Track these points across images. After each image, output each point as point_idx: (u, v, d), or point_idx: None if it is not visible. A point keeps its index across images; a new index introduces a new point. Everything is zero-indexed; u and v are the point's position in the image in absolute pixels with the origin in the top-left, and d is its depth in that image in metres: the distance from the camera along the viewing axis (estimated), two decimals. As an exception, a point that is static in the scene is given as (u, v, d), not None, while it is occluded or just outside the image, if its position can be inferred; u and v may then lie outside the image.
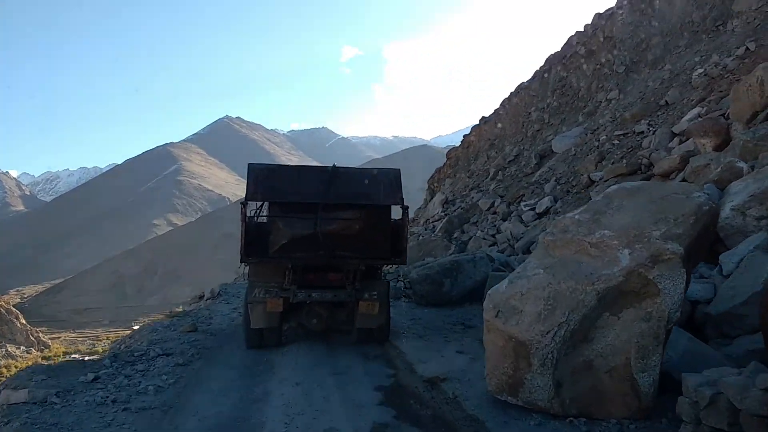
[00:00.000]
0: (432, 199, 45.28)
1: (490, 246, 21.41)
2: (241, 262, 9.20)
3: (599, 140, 23.82)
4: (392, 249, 9.43)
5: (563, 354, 5.39)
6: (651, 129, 20.94)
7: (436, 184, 52.40)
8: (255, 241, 9.00)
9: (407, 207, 9.61)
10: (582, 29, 36.34)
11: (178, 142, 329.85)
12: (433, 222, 35.23)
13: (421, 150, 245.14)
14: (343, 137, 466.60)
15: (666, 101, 22.20)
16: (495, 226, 23.07)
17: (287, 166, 10.71)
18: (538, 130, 38.23)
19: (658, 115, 21.79)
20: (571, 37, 39.01)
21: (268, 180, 9.03)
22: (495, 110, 50.25)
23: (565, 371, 5.42)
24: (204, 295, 17.35)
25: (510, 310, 5.69)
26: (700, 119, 15.32)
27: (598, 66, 33.42)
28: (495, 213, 25.25)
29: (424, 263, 17.17)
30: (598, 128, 25.73)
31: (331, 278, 9.26)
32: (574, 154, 24.87)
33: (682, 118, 19.36)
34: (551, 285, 5.56)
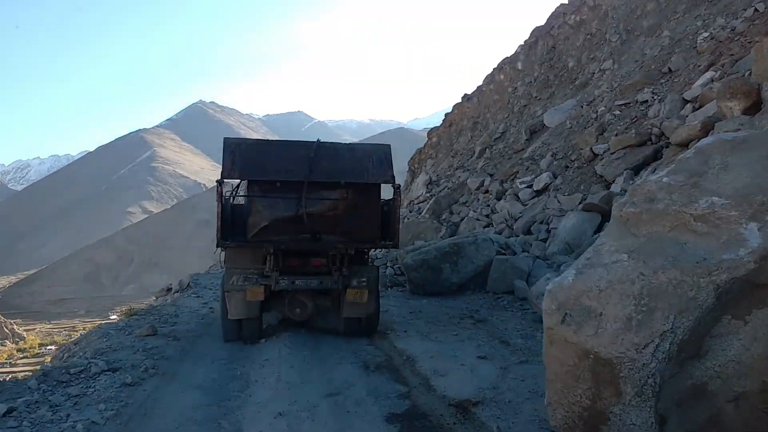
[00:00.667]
0: (414, 180, 43.69)
1: (485, 227, 19.80)
2: (217, 246, 8.33)
3: (597, 112, 22.28)
4: (382, 231, 8.77)
5: (668, 377, 3.71)
6: (656, 97, 19.40)
7: (416, 166, 51.11)
8: (233, 224, 8.37)
9: (399, 185, 8.93)
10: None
11: (152, 128, 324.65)
12: (418, 203, 33.61)
13: (399, 133, 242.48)
14: (319, 121, 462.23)
15: (669, 68, 20.68)
16: (489, 205, 21.45)
17: (267, 141, 9.60)
18: (525, 105, 36.70)
19: (661, 83, 20.26)
20: (558, 7, 37.38)
21: (247, 156, 8.22)
22: (478, 87, 48.84)
23: (669, 401, 3.75)
24: (172, 288, 15.44)
25: (583, 313, 4.00)
26: (723, 80, 13.74)
27: (588, 36, 31.87)
28: (487, 192, 23.63)
29: (417, 247, 15.50)
30: (594, 100, 24.19)
31: (315, 264, 8.58)
32: (570, 128, 23.31)
33: (690, 84, 17.88)
34: (643, 277, 3.88)
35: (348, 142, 10.85)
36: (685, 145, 14.01)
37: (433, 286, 13.01)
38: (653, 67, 21.92)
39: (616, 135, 18.65)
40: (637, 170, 15.87)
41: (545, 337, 4.26)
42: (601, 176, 16.98)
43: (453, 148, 46.83)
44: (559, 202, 17.53)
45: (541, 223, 16.84)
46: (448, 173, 38.70)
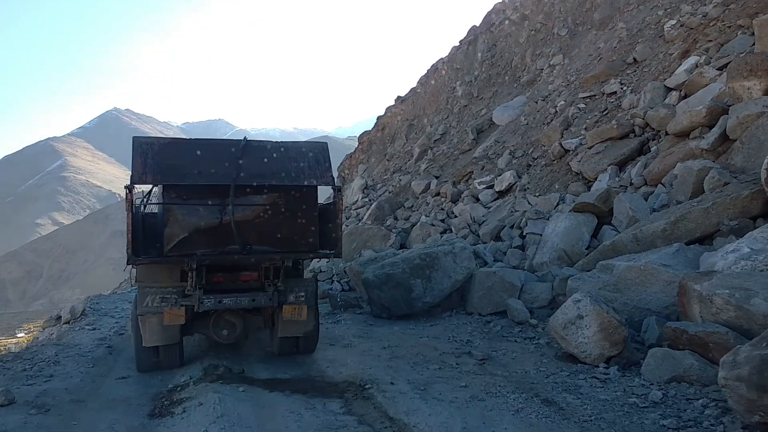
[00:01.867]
0: (348, 185, 41.22)
1: (442, 233, 17.42)
2: (128, 263, 7.05)
3: (557, 106, 20.42)
4: (321, 239, 7.81)
5: None
6: (625, 88, 17.65)
7: (347, 171, 49.10)
8: (146, 236, 7.49)
9: (340, 187, 8.11)
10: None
11: (62, 136, 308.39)
12: (356, 209, 31.08)
13: (323, 141, 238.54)
14: (240, 129, 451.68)
15: (634, 58, 19.01)
16: (443, 209, 19.12)
17: (185, 139, 8.08)
18: (466, 106, 34.82)
19: (628, 74, 18.56)
20: (497, 4, 35.79)
21: (161, 157, 7.15)
22: (411, 89, 47.05)
23: None
24: (62, 317, 12.06)
25: None
26: (737, 58, 11.85)
27: (532, 32, 30.20)
28: (438, 195, 21.32)
29: (373, 258, 12.93)
30: (549, 95, 22.34)
31: (246, 278, 7.74)
32: (527, 124, 21.35)
33: (666, 72, 16.21)
34: None
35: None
36: (686, 134, 12.11)
37: (402, 308, 10.47)
38: (614, 58, 20.22)
39: (587, 129, 16.74)
40: (621, 165, 13.91)
41: None
42: (579, 173, 14.92)
43: (387, 152, 44.71)
44: (530, 203, 15.37)
45: (512, 227, 14.59)
46: (385, 177, 36.79)
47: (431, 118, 40.84)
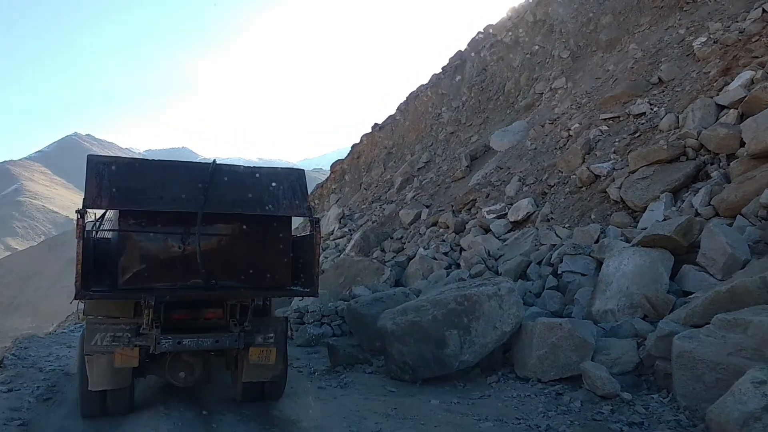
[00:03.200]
0: (323, 214, 38.72)
1: (446, 269, 14.95)
2: (75, 297, 6.16)
3: (569, 130, 18.29)
4: (296, 275, 7.20)
5: None
6: (655, 108, 15.60)
7: (317, 201, 46.69)
8: (99, 267, 6.71)
9: (318, 219, 7.33)
10: (506, 15, 31.24)
11: (19, 159, 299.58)
12: (334, 239, 28.50)
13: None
14: (204, 158, 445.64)
15: (659, 78, 17.06)
16: (444, 241, 16.65)
17: (147, 160, 7.19)
18: (453, 132, 32.73)
19: (655, 94, 16.57)
20: (487, 27, 34.05)
21: (119, 180, 6.44)
22: (390, 116, 45.06)
23: None
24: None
25: None
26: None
27: (527, 55, 28.38)
28: (435, 225, 18.88)
29: (379, 300, 10.40)
30: (557, 118, 20.23)
31: (209, 316, 6.93)
32: (535, 149, 19.17)
33: (702, 91, 14.24)
34: None
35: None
36: (764, 156, 9.95)
37: (431, 368, 7.91)
38: (634, 79, 18.26)
39: (617, 152, 14.59)
40: (674, 192, 11.70)
41: None
42: (619, 201, 12.65)
43: (362, 181, 42.48)
44: (558, 235, 13.01)
45: (540, 263, 12.20)
46: (363, 206, 34.53)
47: (412, 147, 38.77)
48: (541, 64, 27.01)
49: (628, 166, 13.09)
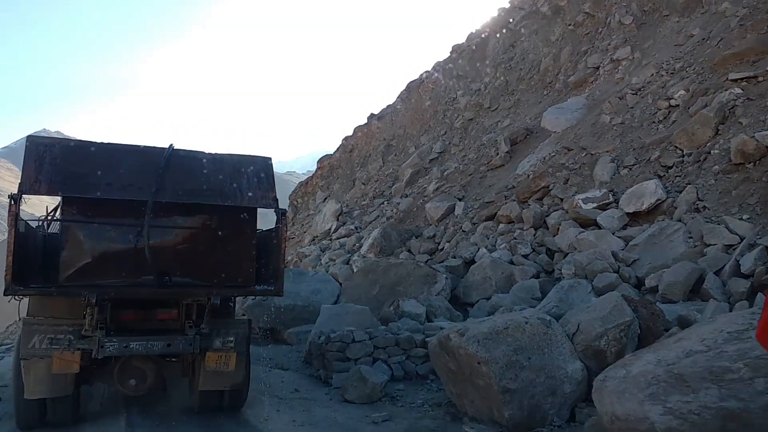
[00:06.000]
0: (317, 211, 34.29)
1: (536, 276, 10.51)
2: (5, 293, 5.57)
3: (670, 99, 14.05)
4: (259, 272, 6.52)
5: None
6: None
7: (300, 200, 42.52)
8: (36, 260, 6.24)
9: (285, 211, 6.51)
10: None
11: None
12: (338, 239, 23.99)
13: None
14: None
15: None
16: (525, 239, 12.16)
17: (94, 143, 6.27)
18: (472, 119, 28.38)
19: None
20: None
21: (62, 163, 5.89)
22: (389, 106, 40.91)
23: None
24: None
25: None
26: None
27: (570, 26, 24.12)
28: (490, 220, 14.41)
29: (500, 333, 5.87)
30: (643, 87, 15.95)
31: (162, 317, 6.33)
32: (622, 124, 14.86)
33: None
34: None
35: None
36: None
37: None
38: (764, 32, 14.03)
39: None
40: None
41: None
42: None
43: (357, 176, 38.15)
44: (732, 231, 8.64)
45: (718, 273, 7.83)
46: (364, 203, 30.33)
47: (416, 138, 34.50)
48: (591, 35, 22.75)
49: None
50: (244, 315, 11.12)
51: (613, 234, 10.42)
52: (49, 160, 5.88)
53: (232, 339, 6.28)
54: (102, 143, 6.33)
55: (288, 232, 7.80)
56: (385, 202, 27.27)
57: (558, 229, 11.62)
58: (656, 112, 14.16)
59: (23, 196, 5.62)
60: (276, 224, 6.52)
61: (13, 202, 5.55)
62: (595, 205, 11.58)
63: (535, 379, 5.86)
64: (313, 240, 28.76)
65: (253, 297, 10.92)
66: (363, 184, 35.03)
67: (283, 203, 6.91)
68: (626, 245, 9.96)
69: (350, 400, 7.03)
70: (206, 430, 6.30)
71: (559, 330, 6.23)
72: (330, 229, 27.79)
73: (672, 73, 15.59)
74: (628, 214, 10.87)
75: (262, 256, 6.67)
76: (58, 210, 6.69)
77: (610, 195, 11.68)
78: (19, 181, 5.70)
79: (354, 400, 6.99)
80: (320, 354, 8.45)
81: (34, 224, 7.07)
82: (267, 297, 10.99)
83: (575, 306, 7.94)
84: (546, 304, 8.45)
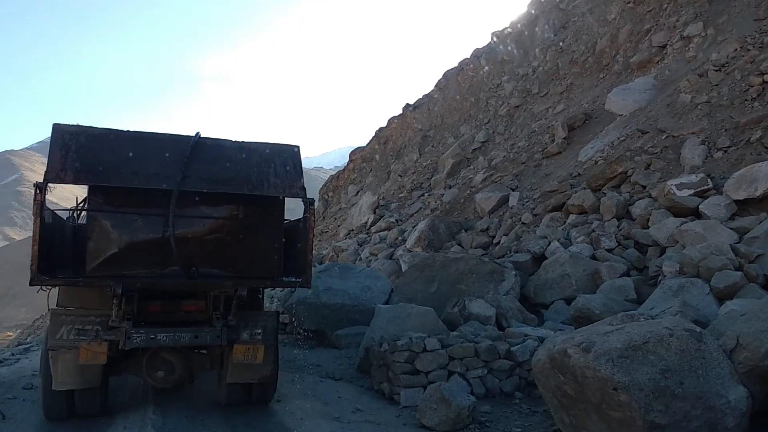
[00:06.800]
0: (355, 202, 33.12)
1: (626, 275, 8.97)
2: (31, 283, 5.35)
3: (765, 74, 12.43)
4: (287, 264, 6.27)
5: None
6: None
7: (331, 194, 41.62)
8: (65, 251, 6.23)
9: (312, 200, 6.25)
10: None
11: (20, 149, 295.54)
12: (377, 232, 22.61)
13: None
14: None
15: None
16: (607, 231, 10.58)
17: (120, 131, 6.05)
18: (519, 106, 26.78)
19: None
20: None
21: (87, 152, 5.73)
22: (426, 95, 39.60)
23: None
24: None
25: None
26: None
27: (629, 4, 22.36)
28: (560, 209, 12.90)
29: (639, 349, 4.36)
30: (726, 63, 14.27)
31: (189, 308, 6.27)
32: (708, 103, 13.24)
33: None
34: None
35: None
36: None
37: None
38: None
39: None
40: None
41: None
42: None
43: (392, 168, 36.82)
44: None
45: None
46: (401, 195, 28.97)
47: (455, 127, 33.00)
48: (654, 12, 20.99)
49: None
50: (283, 312, 10.83)
51: (723, 225, 8.83)
52: (75, 148, 5.77)
53: (260, 331, 6.23)
54: (128, 131, 6.17)
55: (317, 225, 6.99)
56: (426, 194, 25.90)
57: (648, 219, 10.04)
58: (748, 89, 12.52)
59: (49, 184, 5.48)
60: (304, 214, 6.34)
61: (38, 191, 5.42)
62: (692, 192, 9.97)
63: (690, 411, 4.36)
64: (349, 234, 27.57)
65: (292, 293, 10.69)
66: (399, 176, 33.67)
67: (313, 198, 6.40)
68: (741, 238, 8.37)
69: (430, 426, 5.62)
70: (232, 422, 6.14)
71: (713, 345, 4.71)
72: (367, 223, 26.53)
73: (761, 47, 13.87)
74: (736, 201, 9.26)
75: (290, 246, 6.50)
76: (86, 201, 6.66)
77: (708, 181, 10.07)
78: (45, 169, 5.60)
79: (435, 427, 5.58)
80: (383, 364, 7.06)
81: (64, 215, 6.91)
82: (311, 295, 10.32)
83: (702, 310, 6.41)
84: (654, 308, 6.92)
